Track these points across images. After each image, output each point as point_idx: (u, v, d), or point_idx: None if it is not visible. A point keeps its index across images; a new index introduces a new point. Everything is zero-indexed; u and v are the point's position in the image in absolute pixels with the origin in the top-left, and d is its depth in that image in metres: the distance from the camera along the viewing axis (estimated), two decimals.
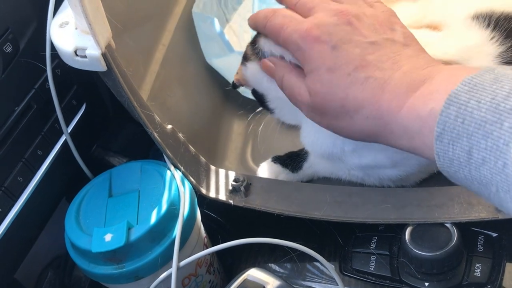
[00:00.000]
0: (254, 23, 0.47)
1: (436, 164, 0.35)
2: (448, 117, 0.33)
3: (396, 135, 0.38)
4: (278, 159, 0.59)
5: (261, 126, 0.64)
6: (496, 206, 0.40)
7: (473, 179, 0.33)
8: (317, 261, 0.43)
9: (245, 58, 0.51)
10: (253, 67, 0.50)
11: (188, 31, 0.67)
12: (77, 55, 0.42)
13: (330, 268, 0.42)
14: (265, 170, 0.59)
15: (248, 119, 0.67)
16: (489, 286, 0.42)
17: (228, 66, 0.68)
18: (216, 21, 0.66)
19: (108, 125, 0.60)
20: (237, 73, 0.53)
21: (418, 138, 0.36)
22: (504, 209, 0.33)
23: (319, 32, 0.41)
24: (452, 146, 0.33)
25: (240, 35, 0.76)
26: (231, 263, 0.56)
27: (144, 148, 0.62)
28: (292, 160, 0.58)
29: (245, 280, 0.38)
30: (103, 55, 0.41)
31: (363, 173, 0.52)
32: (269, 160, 0.59)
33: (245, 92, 0.67)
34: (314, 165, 0.57)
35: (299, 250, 0.43)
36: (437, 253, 0.42)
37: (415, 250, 0.43)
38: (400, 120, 0.37)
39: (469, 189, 0.35)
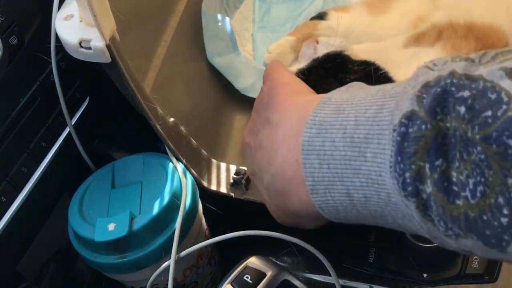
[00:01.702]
0: None
1: (325, 216, 0.33)
2: (313, 167, 0.31)
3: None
4: None
5: None
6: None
7: (365, 217, 0.31)
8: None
9: None
10: None
11: (190, 29, 0.68)
12: (81, 46, 0.42)
13: (323, 259, 0.42)
14: None
15: (248, 115, 0.68)
16: (486, 278, 0.43)
17: (229, 65, 0.69)
18: (228, 20, 0.67)
19: (110, 119, 0.60)
20: None
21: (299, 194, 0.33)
22: (408, 232, 0.30)
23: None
24: (330, 194, 0.31)
25: (241, 34, 0.77)
26: (231, 256, 0.57)
27: (146, 144, 0.63)
28: None
29: (246, 268, 0.38)
30: (108, 46, 0.42)
31: None
32: None
33: (245, 90, 0.68)
34: None
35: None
36: (436, 245, 0.43)
37: (414, 242, 0.44)
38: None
39: (366, 224, 0.32)
